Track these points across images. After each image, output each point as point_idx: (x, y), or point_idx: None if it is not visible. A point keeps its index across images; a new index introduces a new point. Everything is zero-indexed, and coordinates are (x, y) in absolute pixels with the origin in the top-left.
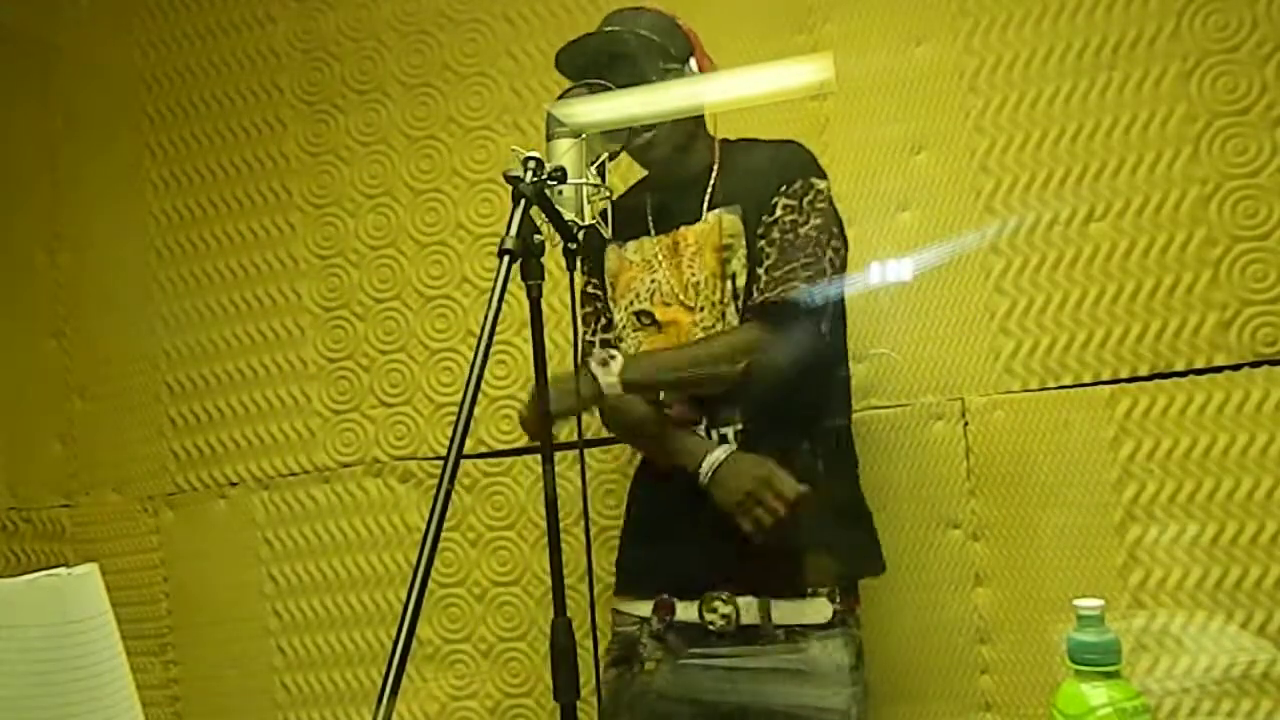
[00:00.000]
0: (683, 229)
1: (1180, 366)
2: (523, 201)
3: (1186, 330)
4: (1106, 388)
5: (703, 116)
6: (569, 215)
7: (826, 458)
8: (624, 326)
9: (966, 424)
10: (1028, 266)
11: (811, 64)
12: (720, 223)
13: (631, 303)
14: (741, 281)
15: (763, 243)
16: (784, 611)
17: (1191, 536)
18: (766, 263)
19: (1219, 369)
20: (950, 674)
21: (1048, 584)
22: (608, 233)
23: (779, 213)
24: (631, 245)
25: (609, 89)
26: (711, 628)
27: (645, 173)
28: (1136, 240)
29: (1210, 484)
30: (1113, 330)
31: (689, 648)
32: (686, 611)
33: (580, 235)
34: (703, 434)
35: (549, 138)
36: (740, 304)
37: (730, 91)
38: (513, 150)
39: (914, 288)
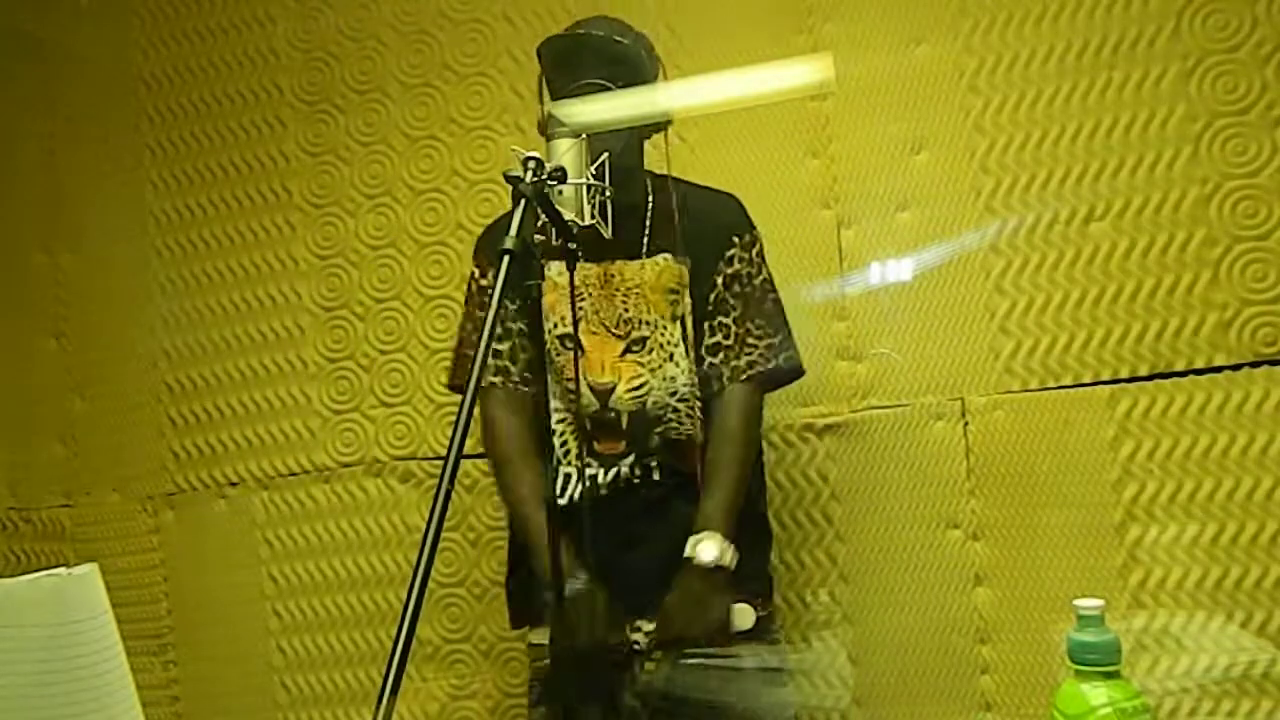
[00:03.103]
0: (618, 263)
1: (1180, 366)
2: (523, 201)
3: (1186, 330)
4: (1106, 388)
5: (641, 148)
6: (569, 215)
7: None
8: (548, 348)
9: (966, 424)
10: (1028, 266)
11: (811, 64)
12: (667, 269)
13: (556, 325)
14: (689, 324)
15: (726, 294)
16: None
17: (1191, 536)
18: (734, 314)
19: (1219, 369)
20: (950, 674)
21: (1048, 584)
22: (607, 232)
23: (737, 265)
24: (555, 266)
25: (609, 89)
26: (637, 648)
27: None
28: (1136, 240)
29: (1210, 484)
30: (1113, 330)
31: (616, 672)
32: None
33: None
34: (628, 469)
35: (549, 138)
36: (691, 346)
37: (731, 91)
38: (513, 150)
39: (914, 288)
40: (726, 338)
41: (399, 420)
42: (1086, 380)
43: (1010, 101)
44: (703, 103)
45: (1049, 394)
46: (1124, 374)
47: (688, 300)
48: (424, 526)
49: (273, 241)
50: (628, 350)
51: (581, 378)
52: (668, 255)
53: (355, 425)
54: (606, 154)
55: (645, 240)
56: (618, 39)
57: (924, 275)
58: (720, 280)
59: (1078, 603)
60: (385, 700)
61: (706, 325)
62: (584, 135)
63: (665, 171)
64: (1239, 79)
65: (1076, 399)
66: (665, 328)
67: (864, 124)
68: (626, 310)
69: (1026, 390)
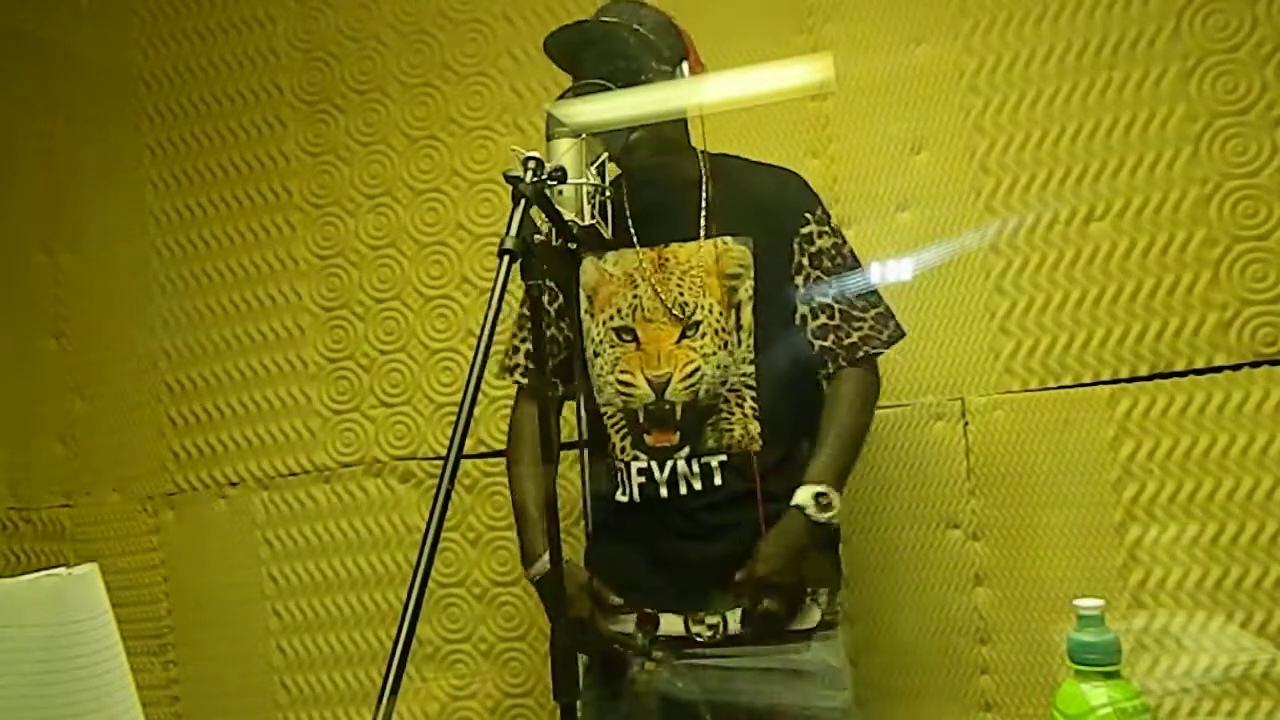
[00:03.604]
0: (673, 246)
1: (1180, 366)
2: (523, 201)
3: (1186, 330)
4: (1106, 388)
5: (686, 124)
6: (569, 215)
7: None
8: (601, 341)
9: (966, 424)
10: (1028, 266)
11: (811, 64)
12: (727, 251)
13: (611, 318)
14: (748, 311)
15: (817, 273)
16: None
17: (1191, 536)
18: (832, 292)
19: (1219, 369)
20: (950, 674)
21: (1048, 584)
22: (607, 232)
23: (819, 242)
24: (611, 257)
25: (609, 89)
26: (699, 639)
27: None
28: (1136, 240)
29: (1210, 484)
30: (1113, 330)
31: (676, 660)
32: (671, 625)
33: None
34: (684, 463)
35: (549, 138)
36: (746, 334)
37: (731, 92)
38: (513, 150)
39: (914, 288)
40: (832, 317)
41: (399, 420)
42: (1086, 380)
43: (1010, 101)
44: (703, 103)
45: (1049, 394)
46: (1124, 374)
47: (749, 284)
48: (424, 526)
49: (273, 241)
50: (684, 335)
51: (638, 370)
52: (728, 237)
53: (355, 425)
54: (605, 154)
55: (702, 220)
56: (604, 19)
57: (924, 275)
58: (806, 261)
59: (1078, 603)
60: (385, 700)
61: (807, 308)
62: (583, 135)
63: (704, 137)
64: (1239, 79)
65: (1076, 399)
66: (720, 314)
67: (864, 124)
68: (683, 294)
69: (1026, 390)
